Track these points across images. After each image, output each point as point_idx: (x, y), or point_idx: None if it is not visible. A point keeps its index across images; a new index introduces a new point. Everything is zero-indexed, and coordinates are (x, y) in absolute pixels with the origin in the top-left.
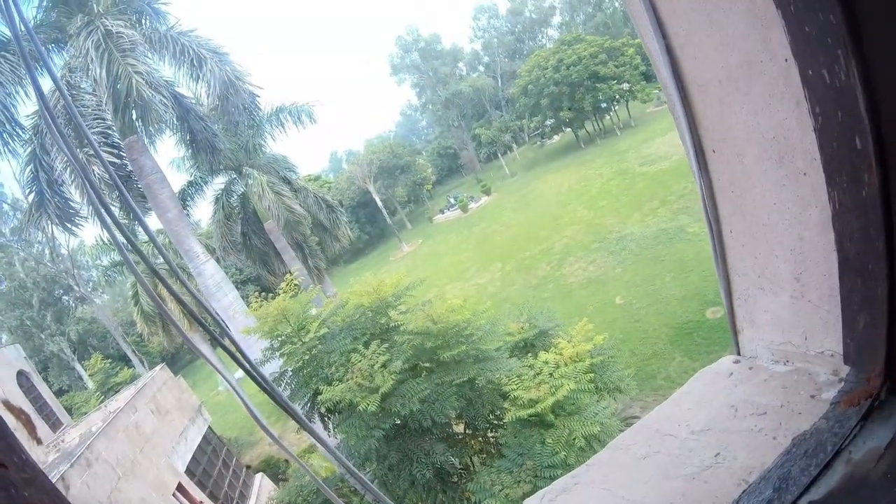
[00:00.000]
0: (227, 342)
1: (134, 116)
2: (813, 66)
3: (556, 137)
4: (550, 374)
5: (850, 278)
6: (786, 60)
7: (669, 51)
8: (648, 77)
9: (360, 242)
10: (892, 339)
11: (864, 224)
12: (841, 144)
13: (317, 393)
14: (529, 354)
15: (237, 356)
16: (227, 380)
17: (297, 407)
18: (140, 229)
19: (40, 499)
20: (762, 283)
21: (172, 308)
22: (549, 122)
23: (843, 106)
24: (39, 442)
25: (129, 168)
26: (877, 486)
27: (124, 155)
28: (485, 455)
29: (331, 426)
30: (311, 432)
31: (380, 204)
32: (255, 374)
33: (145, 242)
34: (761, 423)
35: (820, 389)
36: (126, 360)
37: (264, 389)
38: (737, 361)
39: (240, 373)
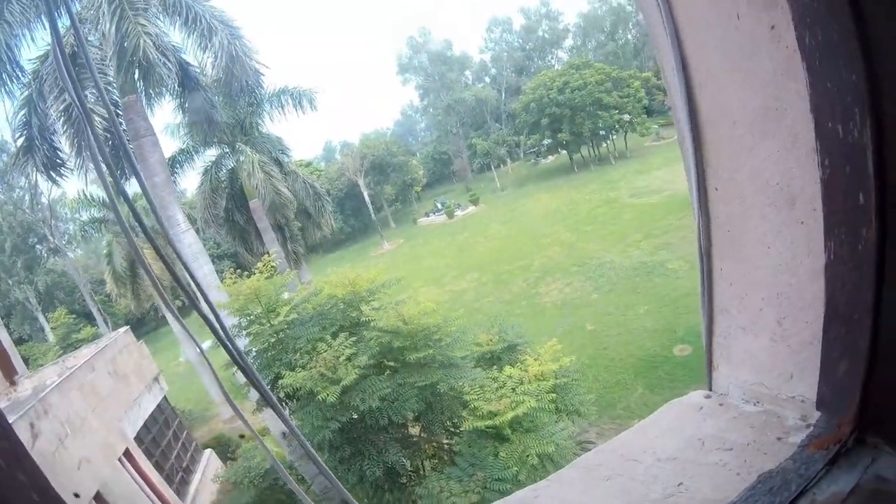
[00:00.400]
0: (204, 313)
1: (136, 76)
2: (829, 120)
3: (550, 158)
4: (513, 389)
5: (836, 327)
6: (803, 112)
7: (688, 86)
8: (650, 111)
9: (342, 234)
10: (866, 390)
11: (857, 276)
12: (845, 197)
13: (278, 377)
14: (495, 367)
15: (214, 326)
16: (200, 348)
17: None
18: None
19: (1, 445)
20: (744, 324)
21: (144, 273)
22: (546, 142)
23: (853, 161)
24: (14, 384)
25: (124, 127)
26: None
27: (121, 113)
28: (437, 460)
29: (287, 412)
30: (279, 411)
31: (367, 199)
32: (228, 345)
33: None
34: (727, 458)
35: (787, 433)
36: (90, 318)
37: (236, 362)
38: (708, 396)
39: (207, 344)
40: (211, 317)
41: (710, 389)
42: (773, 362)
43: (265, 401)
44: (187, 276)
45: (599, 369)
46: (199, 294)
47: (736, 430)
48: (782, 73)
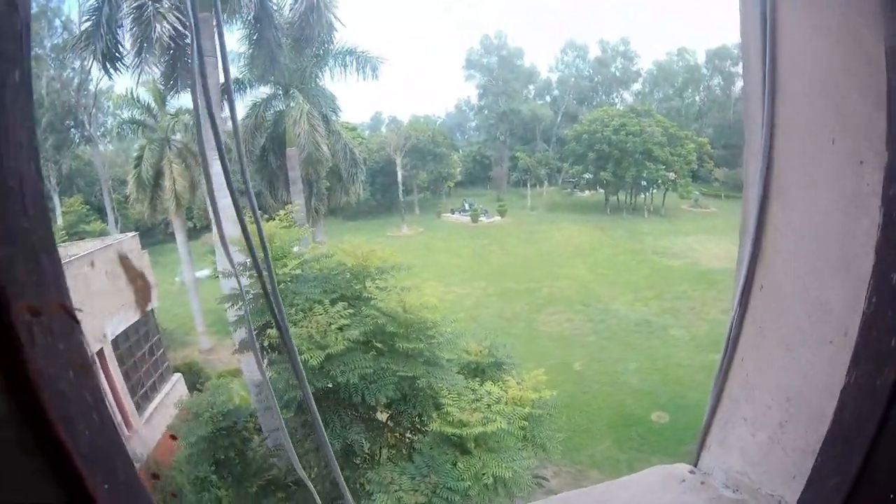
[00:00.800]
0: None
1: None
2: (888, 267)
3: (587, 192)
4: (488, 406)
5: (836, 444)
6: (865, 247)
7: (766, 189)
8: (696, 177)
9: (366, 206)
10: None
11: (869, 407)
12: (880, 337)
13: (267, 325)
14: (477, 379)
15: (257, 260)
16: (236, 274)
17: (243, 331)
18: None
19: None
20: (748, 415)
21: (167, 186)
22: (587, 176)
23: None
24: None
25: (188, 41)
26: None
27: (189, 26)
28: (395, 452)
29: (265, 361)
30: (297, 366)
31: (399, 178)
32: (265, 282)
33: (170, 115)
34: None
35: None
36: (102, 214)
37: (267, 297)
38: (692, 472)
39: (204, 272)
40: (257, 251)
41: (696, 465)
42: (763, 459)
43: (286, 350)
44: (254, 203)
45: (575, 411)
46: (256, 222)
47: (695, 499)
48: (856, 206)
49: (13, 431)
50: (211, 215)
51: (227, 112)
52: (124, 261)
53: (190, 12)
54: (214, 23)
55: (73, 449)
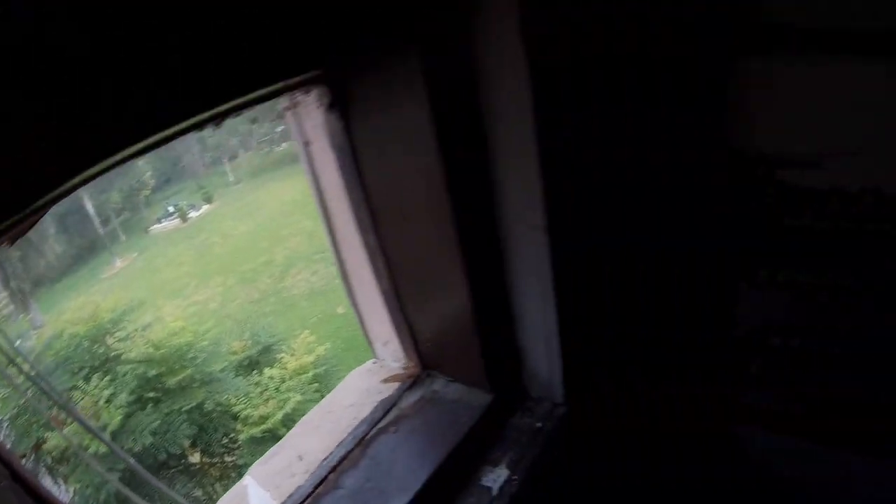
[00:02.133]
0: None
1: None
2: None
3: (284, 145)
4: (277, 389)
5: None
6: None
7: None
8: None
9: (68, 257)
10: (419, 350)
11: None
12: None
13: (40, 443)
14: (255, 371)
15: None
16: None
17: (22, 462)
18: None
19: None
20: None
21: None
22: (279, 129)
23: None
24: None
25: None
26: (412, 418)
27: None
28: (226, 481)
29: (61, 480)
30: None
31: (91, 211)
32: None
33: None
34: (372, 397)
35: (396, 377)
36: None
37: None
38: (374, 362)
39: None
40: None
41: (376, 357)
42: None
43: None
44: None
45: (358, 349)
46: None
47: (376, 380)
48: None
49: None
50: None
51: None
52: None
53: None
54: None
55: None
